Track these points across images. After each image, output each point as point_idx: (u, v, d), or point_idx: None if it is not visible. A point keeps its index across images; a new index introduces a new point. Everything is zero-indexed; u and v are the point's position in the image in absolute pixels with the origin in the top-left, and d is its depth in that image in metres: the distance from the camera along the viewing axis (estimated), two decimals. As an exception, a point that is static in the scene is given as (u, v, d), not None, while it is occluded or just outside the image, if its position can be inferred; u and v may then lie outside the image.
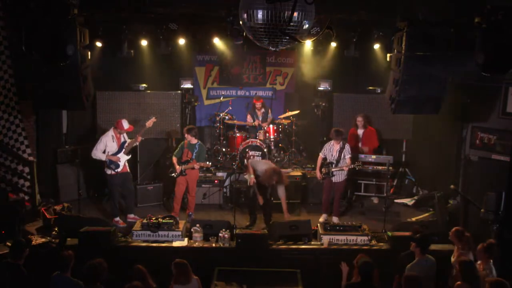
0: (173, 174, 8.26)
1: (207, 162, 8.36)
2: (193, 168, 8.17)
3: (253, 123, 10.12)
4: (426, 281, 5.46)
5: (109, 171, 7.96)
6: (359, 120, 9.32)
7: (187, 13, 7.79)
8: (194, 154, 8.15)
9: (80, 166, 8.93)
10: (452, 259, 5.87)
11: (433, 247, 5.91)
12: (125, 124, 8.01)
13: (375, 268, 5.13)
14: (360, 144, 9.38)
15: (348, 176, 8.38)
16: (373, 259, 5.24)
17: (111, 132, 8.05)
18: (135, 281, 5.03)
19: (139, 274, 5.21)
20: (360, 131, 9.40)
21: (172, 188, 8.53)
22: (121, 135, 8.07)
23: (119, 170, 7.97)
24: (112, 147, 7.97)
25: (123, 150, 8.03)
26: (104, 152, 7.92)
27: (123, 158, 8.04)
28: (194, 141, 8.21)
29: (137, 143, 8.34)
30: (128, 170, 8.21)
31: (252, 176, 7.80)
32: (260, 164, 8.04)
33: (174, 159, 8.26)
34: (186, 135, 8.23)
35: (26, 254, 5.42)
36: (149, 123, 8.18)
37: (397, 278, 5.24)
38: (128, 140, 8.15)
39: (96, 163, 8.18)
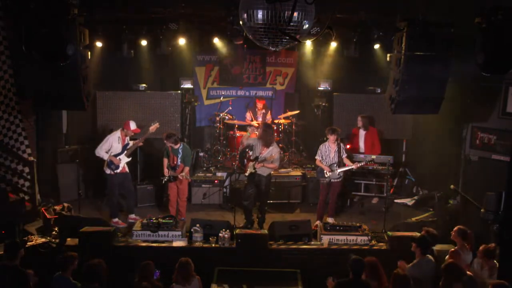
0: (162, 178, 8.11)
1: (189, 177, 8.07)
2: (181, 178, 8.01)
3: (251, 122, 10.09)
4: (426, 282, 5.46)
5: (108, 171, 7.96)
6: (359, 120, 9.27)
7: (187, 13, 7.79)
8: (179, 159, 7.99)
9: (80, 166, 8.94)
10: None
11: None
12: (132, 125, 8.00)
13: (379, 266, 5.11)
14: (361, 146, 9.28)
15: (343, 176, 8.27)
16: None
17: (118, 133, 8.03)
18: (143, 282, 5.04)
19: (146, 271, 5.20)
20: (362, 132, 9.32)
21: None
22: (127, 137, 8.07)
23: (118, 171, 7.97)
24: (117, 148, 7.96)
25: (125, 152, 8.03)
26: (107, 152, 7.91)
27: (124, 160, 8.03)
28: (176, 145, 7.98)
29: (138, 146, 8.31)
30: (127, 170, 8.19)
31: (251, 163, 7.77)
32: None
33: (165, 161, 8.05)
34: (165, 141, 7.95)
35: (22, 255, 5.33)
36: (153, 128, 8.13)
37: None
38: (131, 143, 8.14)
39: (96, 163, 8.16)
